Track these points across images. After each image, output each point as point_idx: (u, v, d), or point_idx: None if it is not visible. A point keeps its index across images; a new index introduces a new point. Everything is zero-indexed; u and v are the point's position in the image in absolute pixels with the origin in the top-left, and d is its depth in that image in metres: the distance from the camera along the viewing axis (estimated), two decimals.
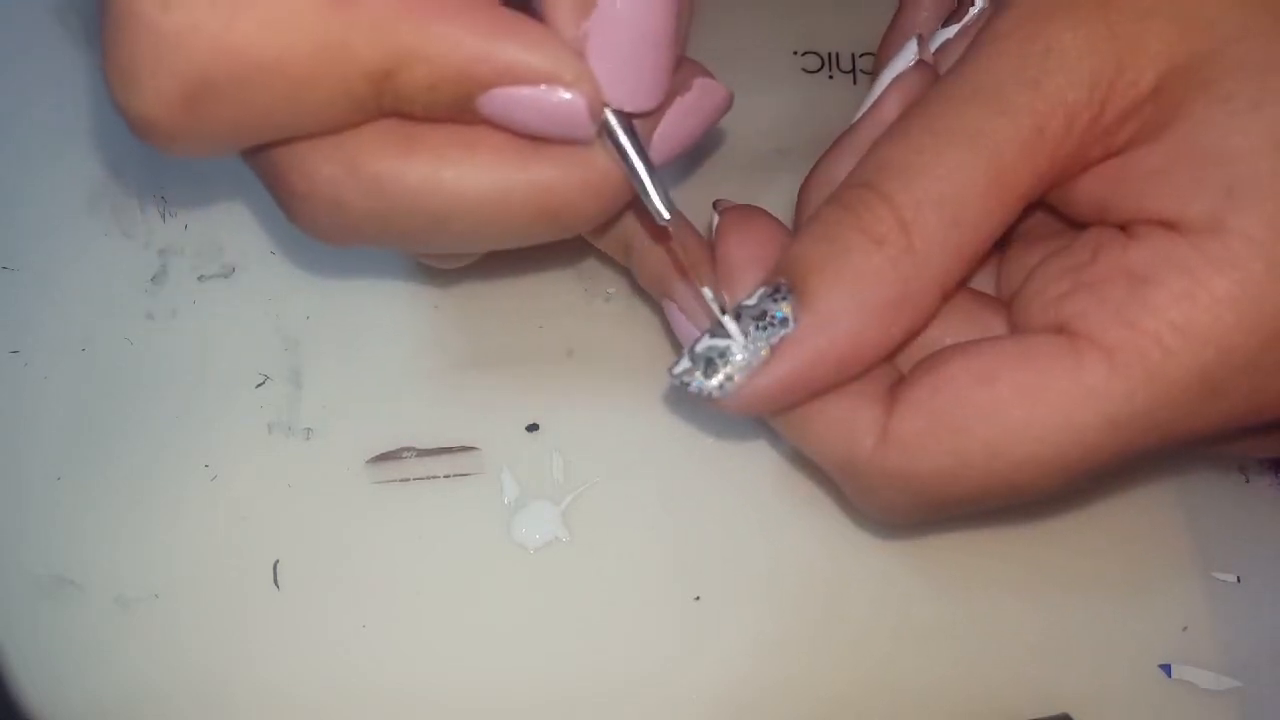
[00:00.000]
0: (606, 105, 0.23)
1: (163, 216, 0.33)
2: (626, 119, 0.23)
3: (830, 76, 0.36)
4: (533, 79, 0.22)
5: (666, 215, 0.24)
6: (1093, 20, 0.23)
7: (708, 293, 0.25)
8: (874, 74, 0.28)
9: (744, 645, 0.29)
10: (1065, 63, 0.23)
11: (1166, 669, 0.29)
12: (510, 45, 0.22)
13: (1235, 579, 0.30)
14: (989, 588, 0.29)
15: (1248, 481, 0.31)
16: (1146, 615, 0.29)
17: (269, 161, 0.24)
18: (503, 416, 0.31)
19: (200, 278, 0.32)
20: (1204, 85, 0.22)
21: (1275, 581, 0.30)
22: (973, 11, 0.27)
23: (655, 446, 0.31)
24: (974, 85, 0.23)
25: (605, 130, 0.23)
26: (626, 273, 0.33)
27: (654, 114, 0.24)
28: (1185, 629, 0.29)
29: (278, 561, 0.29)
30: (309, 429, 0.31)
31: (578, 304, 0.32)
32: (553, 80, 0.22)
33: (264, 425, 0.31)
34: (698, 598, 0.29)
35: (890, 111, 0.26)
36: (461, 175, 0.23)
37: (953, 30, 0.28)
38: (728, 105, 0.26)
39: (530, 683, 0.28)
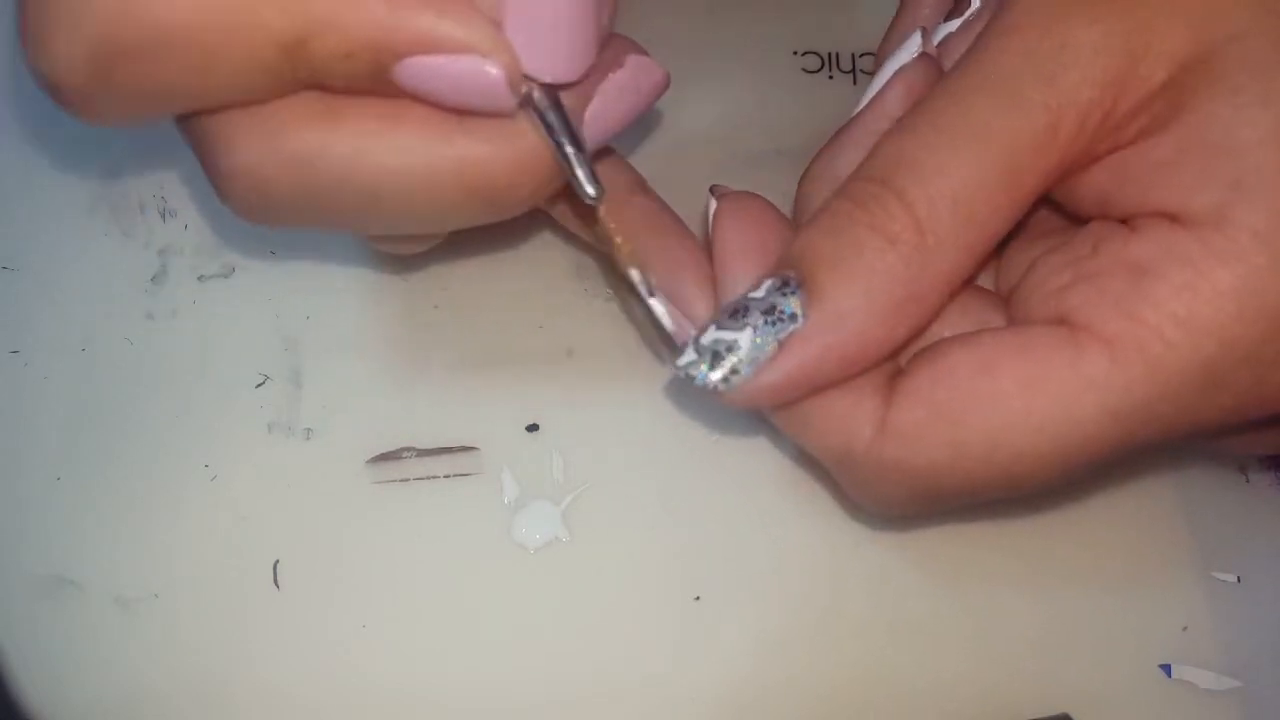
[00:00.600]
0: (526, 77, 0.22)
1: (163, 216, 0.33)
2: (552, 93, 0.23)
3: (830, 76, 0.36)
4: (448, 48, 0.22)
5: (592, 193, 0.23)
6: (1108, 17, 0.23)
7: (635, 274, 0.24)
8: (874, 71, 0.28)
9: (744, 645, 0.29)
10: (1081, 59, 0.23)
11: (1166, 669, 0.29)
12: (424, 14, 0.21)
13: (1235, 579, 0.30)
14: (989, 588, 0.29)
15: (1248, 481, 0.31)
16: (1146, 615, 0.29)
17: (196, 138, 0.24)
18: (503, 416, 0.31)
19: (200, 278, 0.32)
20: (1212, 79, 0.22)
21: (1275, 581, 0.30)
22: (974, 6, 0.27)
23: (655, 446, 0.31)
24: (985, 79, 0.23)
25: (530, 105, 0.23)
26: None
27: (584, 90, 0.24)
28: (1185, 629, 0.29)
29: (278, 561, 0.29)
30: (309, 429, 0.31)
31: (578, 304, 0.32)
32: (468, 49, 0.22)
33: (264, 425, 0.31)
34: (698, 598, 0.29)
35: (894, 104, 0.26)
36: (386, 149, 0.23)
37: (955, 25, 0.28)
38: (665, 85, 0.26)
39: (530, 682, 0.28)
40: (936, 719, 0.28)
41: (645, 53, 0.25)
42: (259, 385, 0.31)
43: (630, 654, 0.29)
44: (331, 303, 0.32)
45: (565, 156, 0.23)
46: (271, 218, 0.25)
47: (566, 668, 0.28)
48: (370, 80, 0.22)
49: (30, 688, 0.28)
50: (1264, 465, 0.31)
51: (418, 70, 0.22)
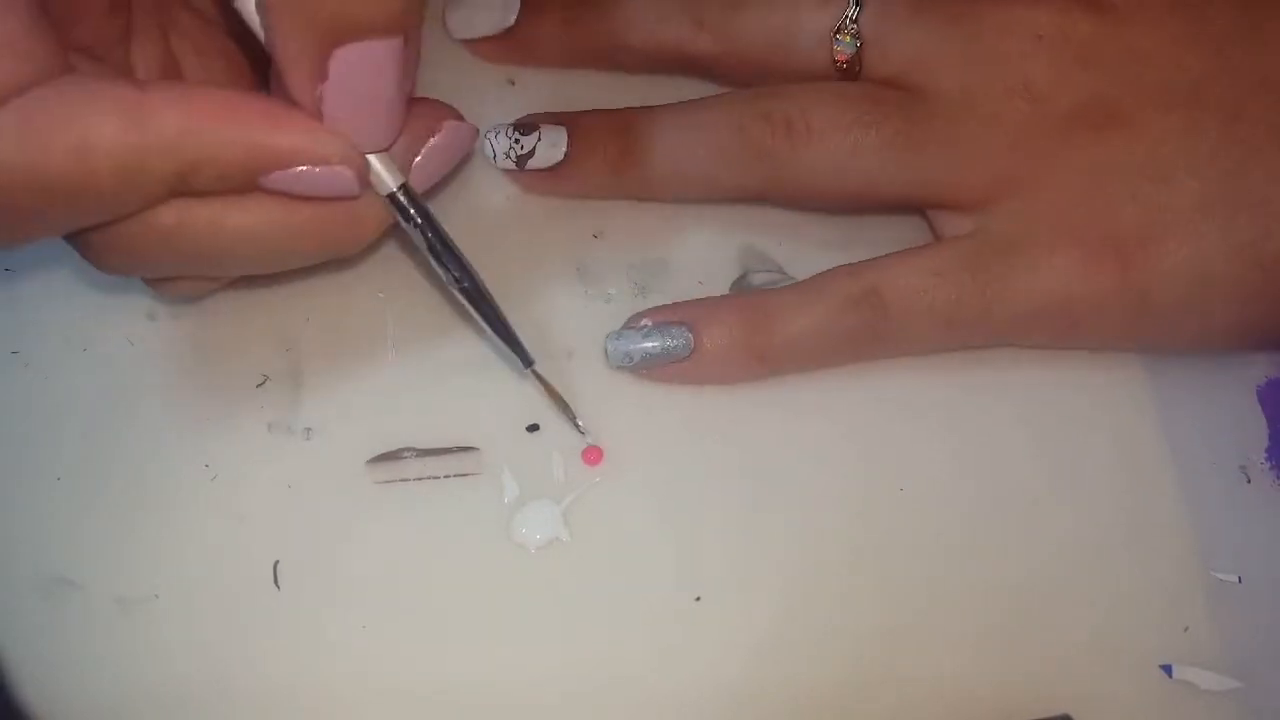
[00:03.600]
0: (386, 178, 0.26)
1: None
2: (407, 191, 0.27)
3: None
4: (307, 161, 0.25)
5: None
6: None
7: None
8: None
9: (744, 645, 0.29)
10: None
11: (1167, 669, 0.29)
12: (285, 136, 0.24)
13: (1236, 579, 0.30)
14: (989, 588, 0.29)
15: (1248, 481, 0.31)
16: (1146, 615, 0.29)
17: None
18: (503, 416, 0.31)
19: None
20: None
21: (1276, 581, 0.30)
22: None
23: (655, 446, 0.31)
24: None
25: (390, 200, 0.27)
26: (626, 274, 0.33)
27: (409, 152, 0.27)
28: (1186, 629, 0.29)
29: (278, 561, 0.29)
30: (309, 429, 0.31)
31: (578, 304, 0.32)
32: (323, 161, 0.25)
33: (264, 425, 0.31)
34: (698, 598, 0.29)
35: None
36: (242, 223, 0.26)
37: None
38: (475, 138, 0.29)
39: (530, 683, 0.28)
40: (936, 719, 0.28)
41: (459, 116, 0.28)
42: (259, 385, 0.31)
43: (630, 654, 0.29)
44: (331, 303, 0.32)
45: (427, 245, 0.28)
46: (134, 274, 0.29)
47: (566, 667, 0.28)
48: (238, 188, 0.25)
49: (30, 688, 0.28)
50: (1264, 466, 0.31)
51: (282, 179, 0.25)
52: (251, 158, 0.24)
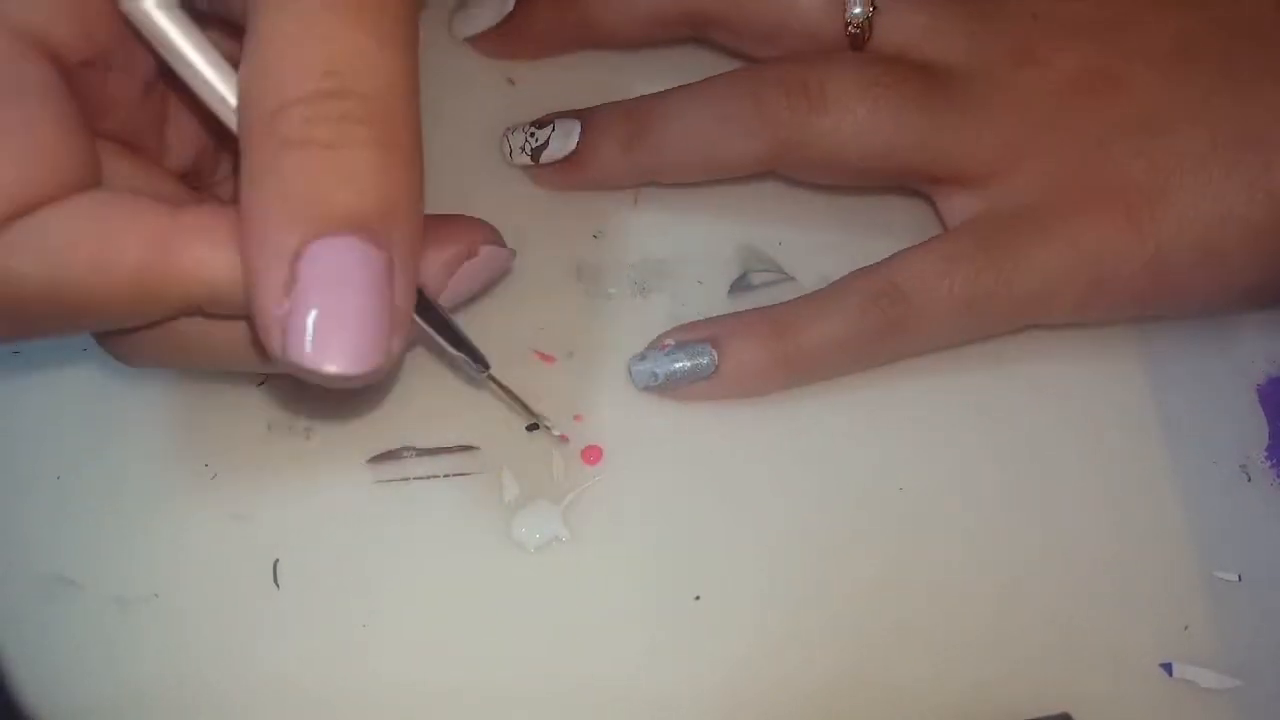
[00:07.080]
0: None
1: None
2: (433, 305, 0.26)
3: None
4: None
5: (480, 373, 0.28)
6: None
7: (544, 423, 0.30)
8: None
9: (744, 645, 0.29)
10: None
11: (1167, 668, 0.29)
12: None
13: (1236, 578, 0.30)
14: (989, 588, 0.29)
15: (1248, 480, 0.31)
16: (1147, 614, 0.29)
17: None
18: (503, 416, 0.31)
19: None
20: None
21: (1276, 580, 0.30)
22: None
23: (655, 446, 0.31)
24: None
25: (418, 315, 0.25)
26: (626, 274, 0.33)
27: (445, 272, 0.27)
28: (1186, 628, 0.29)
29: (278, 561, 0.29)
30: (309, 429, 0.31)
31: (578, 304, 0.32)
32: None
33: (264, 425, 0.31)
34: (698, 598, 0.29)
35: None
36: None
37: None
38: (509, 263, 0.29)
39: (529, 682, 0.28)
40: (937, 719, 0.28)
41: (499, 240, 0.28)
42: (259, 385, 0.31)
43: (630, 653, 0.29)
44: None
45: (452, 354, 0.27)
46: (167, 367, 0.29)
47: (566, 667, 0.28)
48: None
49: (30, 688, 0.28)
50: (1264, 466, 0.31)
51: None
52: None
